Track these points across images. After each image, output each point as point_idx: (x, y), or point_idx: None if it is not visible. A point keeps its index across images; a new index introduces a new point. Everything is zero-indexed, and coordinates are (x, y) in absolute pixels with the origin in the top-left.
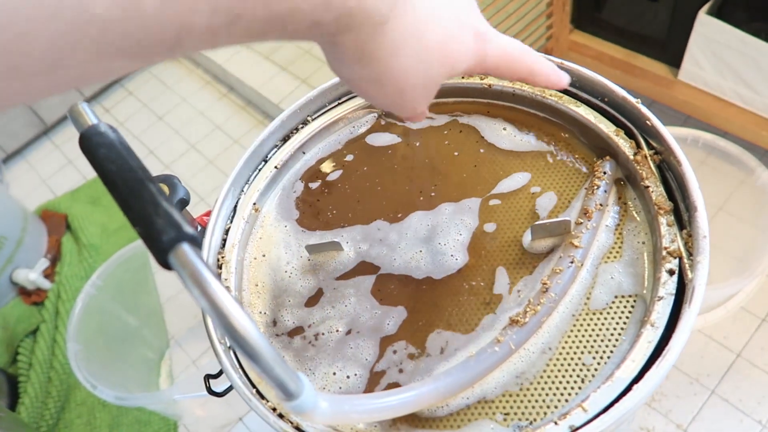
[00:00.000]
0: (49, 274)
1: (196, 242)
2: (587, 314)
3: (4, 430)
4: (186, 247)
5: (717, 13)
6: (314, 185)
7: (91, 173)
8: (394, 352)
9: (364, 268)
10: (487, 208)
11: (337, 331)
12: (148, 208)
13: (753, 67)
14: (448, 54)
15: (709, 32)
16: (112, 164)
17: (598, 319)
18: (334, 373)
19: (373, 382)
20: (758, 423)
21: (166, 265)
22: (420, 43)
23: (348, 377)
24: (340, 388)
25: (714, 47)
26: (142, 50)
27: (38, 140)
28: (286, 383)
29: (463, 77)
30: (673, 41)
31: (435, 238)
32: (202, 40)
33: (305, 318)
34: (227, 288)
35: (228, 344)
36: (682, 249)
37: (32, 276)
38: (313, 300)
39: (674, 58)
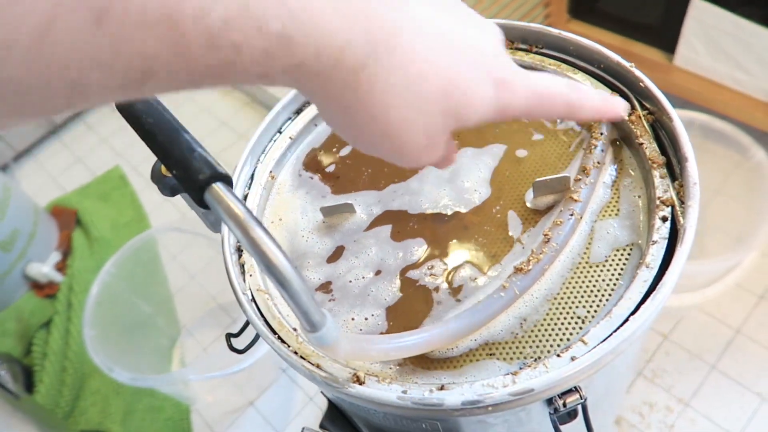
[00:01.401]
0: (60, 268)
1: (229, 182)
2: (587, 263)
3: (23, 412)
4: (220, 185)
5: None
6: (328, 154)
7: (100, 170)
8: (430, 267)
9: (383, 219)
10: (512, 155)
11: (363, 278)
12: (185, 152)
13: (746, 49)
14: (454, 104)
15: (703, 17)
16: (150, 117)
17: (597, 266)
18: (353, 318)
19: (392, 317)
20: (758, 395)
21: (202, 203)
22: (414, 93)
23: (366, 318)
24: (361, 329)
25: (708, 31)
26: (30, 111)
27: (47, 139)
28: (311, 313)
29: None
30: (669, 27)
31: (457, 178)
32: (108, 96)
33: (331, 272)
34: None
35: (251, 296)
36: (675, 198)
37: (45, 269)
38: (334, 256)
39: (670, 44)
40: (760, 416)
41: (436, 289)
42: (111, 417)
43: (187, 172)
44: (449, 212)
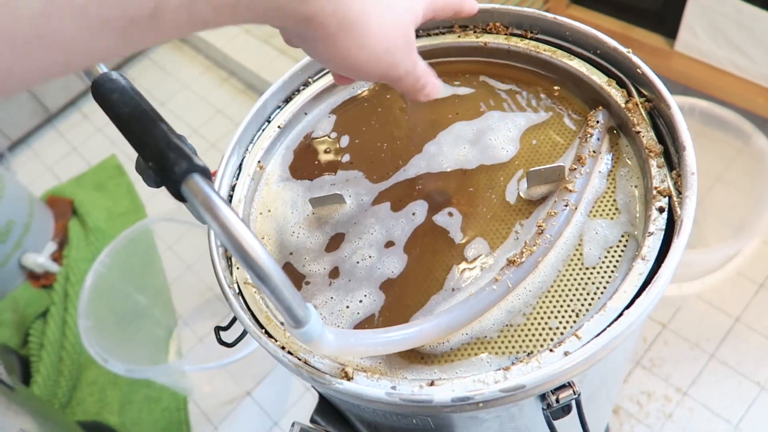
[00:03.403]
0: (56, 258)
1: (207, 174)
2: (582, 255)
3: (18, 404)
4: (197, 177)
5: None
6: (318, 144)
7: (95, 159)
8: (450, 214)
9: (376, 201)
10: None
11: (371, 256)
12: (161, 144)
13: (748, 34)
14: (409, 5)
15: (704, 1)
16: (126, 107)
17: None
18: (348, 306)
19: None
20: (756, 384)
21: (179, 195)
22: (387, 6)
23: (360, 301)
24: (358, 313)
25: (710, 16)
26: (123, 22)
27: (42, 128)
28: (294, 308)
29: (459, 36)
30: (670, 12)
31: (484, 137)
32: (179, 14)
33: (334, 259)
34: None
35: (238, 290)
36: (672, 188)
37: (40, 260)
38: (334, 245)
39: (670, 29)
40: (758, 405)
41: (443, 257)
42: (108, 407)
43: (162, 164)
44: (479, 161)
